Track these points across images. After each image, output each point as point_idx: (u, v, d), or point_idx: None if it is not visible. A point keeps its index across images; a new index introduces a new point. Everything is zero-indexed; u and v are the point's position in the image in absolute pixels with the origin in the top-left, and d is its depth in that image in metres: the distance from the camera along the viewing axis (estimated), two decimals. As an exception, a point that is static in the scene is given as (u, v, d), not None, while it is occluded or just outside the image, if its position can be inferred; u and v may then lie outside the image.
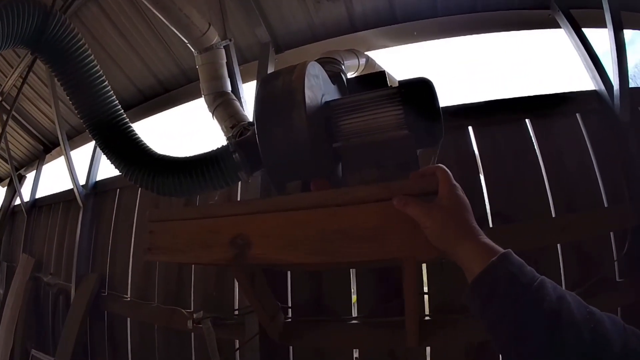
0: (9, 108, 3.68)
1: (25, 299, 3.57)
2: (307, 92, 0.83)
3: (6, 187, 5.08)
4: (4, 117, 3.80)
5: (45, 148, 4.45)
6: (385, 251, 0.62)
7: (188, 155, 1.15)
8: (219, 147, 1.12)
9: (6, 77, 3.27)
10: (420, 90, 0.93)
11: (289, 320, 1.64)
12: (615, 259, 1.70)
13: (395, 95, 0.92)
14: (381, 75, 1.04)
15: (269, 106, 0.82)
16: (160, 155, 1.18)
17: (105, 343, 2.74)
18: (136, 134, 1.23)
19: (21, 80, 3.20)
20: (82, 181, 3.24)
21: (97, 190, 3.22)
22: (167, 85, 3.19)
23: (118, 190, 3.04)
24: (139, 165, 1.16)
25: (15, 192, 4.69)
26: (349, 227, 0.64)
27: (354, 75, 2.10)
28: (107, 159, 1.23)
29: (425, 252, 0.62)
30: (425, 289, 1.57)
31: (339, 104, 0.94)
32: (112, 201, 3.06)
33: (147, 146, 1.21)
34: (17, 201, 4.67)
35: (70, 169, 3.19)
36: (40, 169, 4.52)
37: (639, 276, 1.64)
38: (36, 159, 4.64)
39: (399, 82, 0.96)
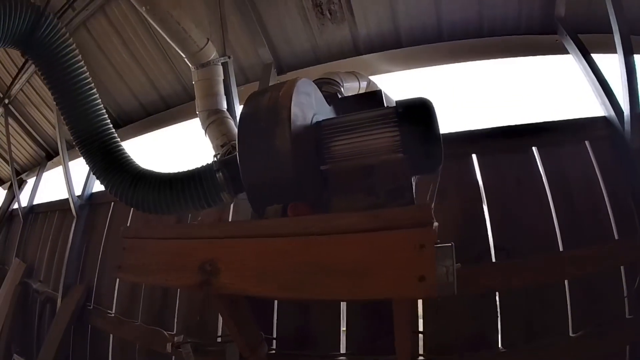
0: (15, 112, 3.72)
1: (13, 303, 3.53)
2: (295, 110, 0.77)
3: (6, 191, 5.07)
4: (8, 120, 3.83)
5: (47, 155, 4.44)
6: (368, 290, 0.54)
7: (171, 172, 1.09)
8: (203, 165, 1.07)
9: (11, 77, 3.27)
10: (418, 111, 0.87)
11: (273, 352, 1.53)
12: (625, 295, 1.59)
13: (391, 115, 0.86)
14: (377, 94, 0.98)
15: (252, 123, 0.76)
16: (143, 169, 1.13)
17: (87, 358, 2.63)
18: (120, 146, 1.18)
19: (29, 84, 3.21)
20: (78, 191, 3.19)
21: (92, 201, 3.17)
22: (169, 101, 3.15)
23: (112, 203, 2.97)
24: (120, 177, 1.10)
25: (14, 196, 4.66)
26: (327, 260, 0.56)
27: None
28: (89, 168, 1.19)
29: (414, 293, 0.54)
30: (421, 328, 1.46)
31: (330, 124, 0.88)
32: (105, 214, 3.00)
33: (131, 159, 1.16)
34: (16, 205, 4.63)
35: (67, 178, 3.15)
36: (41, 175, 4.51)
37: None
38: (38, 164, 4.63)
39: (396, 102, 0.90)
